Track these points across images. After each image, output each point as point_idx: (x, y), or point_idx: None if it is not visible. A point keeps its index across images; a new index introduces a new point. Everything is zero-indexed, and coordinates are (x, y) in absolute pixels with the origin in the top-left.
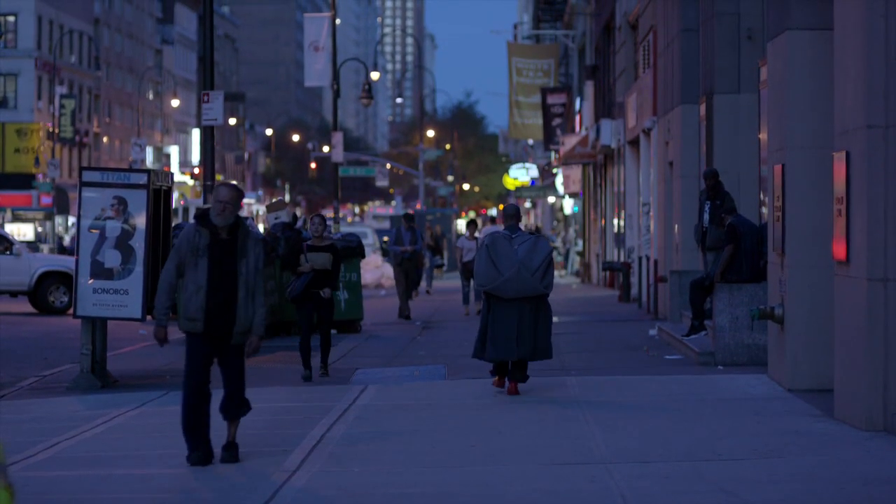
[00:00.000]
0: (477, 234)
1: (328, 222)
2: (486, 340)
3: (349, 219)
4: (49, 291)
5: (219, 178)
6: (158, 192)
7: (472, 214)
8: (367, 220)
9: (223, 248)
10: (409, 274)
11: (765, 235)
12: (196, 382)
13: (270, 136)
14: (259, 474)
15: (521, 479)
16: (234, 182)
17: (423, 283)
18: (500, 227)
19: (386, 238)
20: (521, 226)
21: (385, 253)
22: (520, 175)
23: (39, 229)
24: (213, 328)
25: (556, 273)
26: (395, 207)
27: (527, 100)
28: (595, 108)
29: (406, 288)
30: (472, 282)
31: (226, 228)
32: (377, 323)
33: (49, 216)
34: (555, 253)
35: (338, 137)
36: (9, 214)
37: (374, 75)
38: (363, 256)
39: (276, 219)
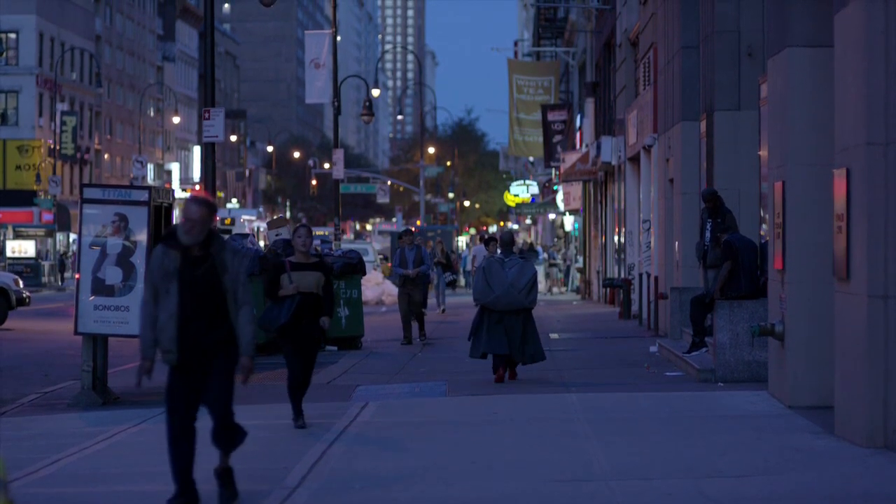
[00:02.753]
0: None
1: (329, 238)
2: (482, 338)
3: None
4: None
5: (220, 194)
6: (159, 208)
7: (472, 231)
8: (373, 237)
9: (197, 267)
10: (412, 296)
11: (764, 252)
12: (179, 420)
13: (271, 153)
14: (259, 492)
15: (522, 495)
16: (206, 197)
17: (433, 301)
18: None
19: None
20: (515, 247)
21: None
22: (520, 192)
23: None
24: (190, 358)
25: (556, 290)
26: (396, 224)
27: (527, 117)
28: (595, 124)
29: (409, 311)
30: None
31: (197, 245)
32: (378, 340)
33: (50, 233)
34: (555, 269)
35: (339, 154)
36: (10, 231)
37: (375, 92)
38: (364, 273)
39: (276, 235)
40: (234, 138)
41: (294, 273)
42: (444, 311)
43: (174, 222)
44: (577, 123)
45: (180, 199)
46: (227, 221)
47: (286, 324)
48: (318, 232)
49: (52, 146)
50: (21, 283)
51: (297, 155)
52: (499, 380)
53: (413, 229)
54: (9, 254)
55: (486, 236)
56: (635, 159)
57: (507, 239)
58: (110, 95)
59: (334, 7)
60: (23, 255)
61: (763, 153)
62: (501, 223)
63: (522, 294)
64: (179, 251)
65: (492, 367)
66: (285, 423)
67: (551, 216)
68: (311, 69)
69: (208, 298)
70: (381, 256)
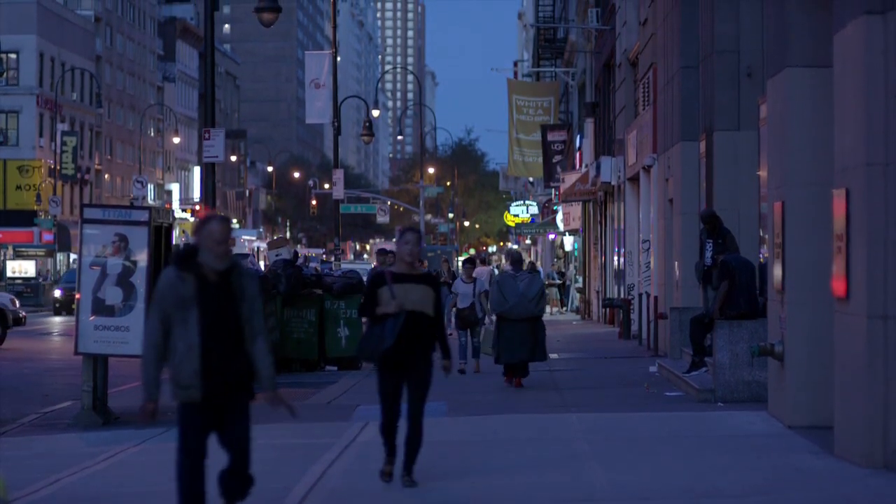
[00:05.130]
0: (475, 276)
1: (314, 256)
2: (501, 350)
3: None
4: None
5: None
6: (159, 228)
7: (472, 252)
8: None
9: (216, 294)
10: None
11: (763, 272)
12: (192, 462)
13: (271, 173)
14: None
15: None
16: (222, 214)
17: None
18: (485, 269)
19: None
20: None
21: None
22: (520, 212)
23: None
24: (212, 394)
25: (556, 310)
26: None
27: (527, 137)
28: (595, 145)
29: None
30: (469, 333)
31: (216, 270)
32: None
33: (50, 253)
34: (554, 290)
35: (339, 174)
36: (10, 251)
37: (375, 112)
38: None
39: (276, 256)
40: (234, 158)
41: (397, 286)
42: (451, 334)
43: (174, 242)
44: (577, 143)
45: (180, 219)
46: None
47: (389, 350)
48: (310, 253)
49: (52, 166)
50: (17, 303)
51: (297, 175)
52: (508, 383)
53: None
54: (9, 274)
55: (466, 257)
56: (635, 179)
57: (517, 257)
58: (111, 115)
59: (334, 27)
60: (23, 274)
61: (762, 173)
62: (501, 243)
63: (532, 303)
64: (196, 276)
65: (502, 372)
66: (285, 442)
67: (551, 236)
68: (311, 89)
69: (227, 328)
70: None
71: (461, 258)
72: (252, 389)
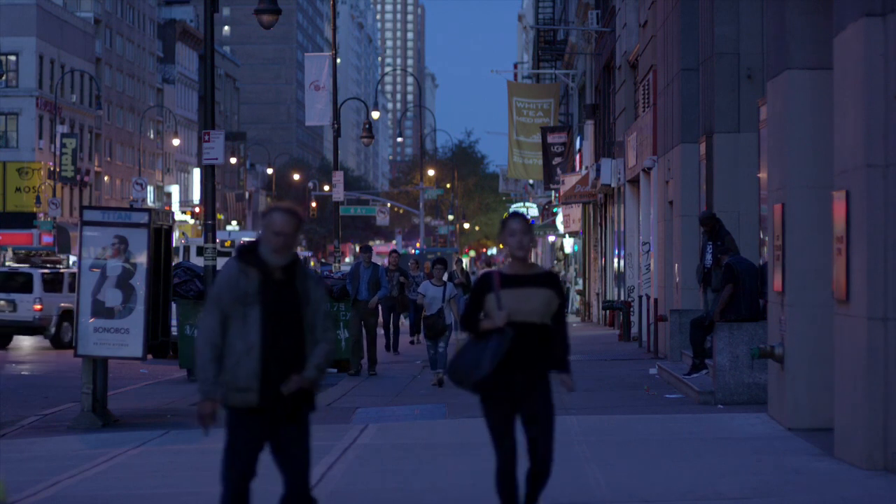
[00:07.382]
0: (445, 278)
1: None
2: None
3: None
4: None
5: (220, 217)
6: (159, 231)
7: (472, 254)
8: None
9: (279, 293)
10: (366, 321)
11: (764, 275)
12: (240, 479)
13: (271, 175)
14: None
15: None
16: (293, 207)
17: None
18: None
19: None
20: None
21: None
22: None
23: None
24: (271, 400)
25: None
26: (395, 246)
27: (527, 139)
28: (595, 147)
29: (361, 338)
30: (439, 342)
31: (281, 267)
32: (378, 362)
33: (50, 255)
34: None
35: (338, 176)
36: (10, 253)
37: (375, 115)
38: None
39: None
40: (233, 160)
41: (507, 292)
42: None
43: (174, 244)
44: (577, 146)
45: (180, 221)
46: (228, 244)
47: (486, 377)
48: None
49: (51, 168)
50: None
51: (296, 177)
52: None
53: (371, 244)
54: None
55: (436, 257)
56: (635, 181)
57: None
58: (110, 117)
59: (334, 30)
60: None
61: (762, 175)
62: (500, 245)
63: None
64: (260, 271)
65: None
66: None
67: (551, 238)
68: (310, 91)
69: (291, 330)
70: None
71: (463, 259)
72: (314, 401)
